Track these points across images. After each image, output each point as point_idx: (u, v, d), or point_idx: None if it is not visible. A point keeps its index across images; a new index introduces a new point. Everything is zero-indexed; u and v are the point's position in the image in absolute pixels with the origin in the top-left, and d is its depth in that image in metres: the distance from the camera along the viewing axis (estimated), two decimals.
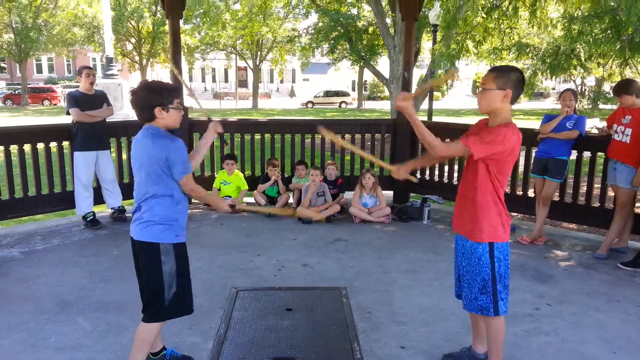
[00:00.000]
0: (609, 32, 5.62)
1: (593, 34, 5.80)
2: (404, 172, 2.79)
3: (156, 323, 2.64)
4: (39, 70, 50.09)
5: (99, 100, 5.48)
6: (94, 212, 5.55)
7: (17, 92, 36.42)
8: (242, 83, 51.58)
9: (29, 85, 36.83)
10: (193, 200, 6.63)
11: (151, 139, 2.48)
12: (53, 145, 5.60)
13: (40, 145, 5.49)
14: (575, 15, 6.65)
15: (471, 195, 2.60)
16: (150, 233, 2.54)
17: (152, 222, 2.53)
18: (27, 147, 5.41)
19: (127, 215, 5.70)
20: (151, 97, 2.48)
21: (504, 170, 2.54)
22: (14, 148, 5.36)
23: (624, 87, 4.66)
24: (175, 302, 2.60)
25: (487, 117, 2.61)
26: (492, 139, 2.46)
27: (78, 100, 5.31)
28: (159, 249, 2.54)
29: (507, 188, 5.79)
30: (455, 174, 6.47)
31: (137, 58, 35.64)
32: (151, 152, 2.47)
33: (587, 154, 5.42)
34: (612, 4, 5.89)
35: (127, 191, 5.76)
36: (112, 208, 5.75)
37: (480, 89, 2.56)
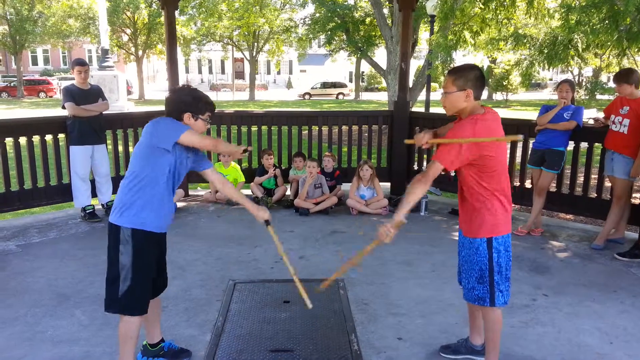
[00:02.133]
0: (606, 22, 5.58)
1: (591, 24, 5.76)
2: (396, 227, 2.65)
3: (134, 317, 2.54)
4: (35, 62, 49.72)
5: (94, 94, 5.45)
6: (93, 205, 5.54)
7: (12, 84, 36.16)
8: (239, 74, 51.38)
9: (24, 78, 36.60)
10: (190, 192, 6.63)
11: (152, 121, 2.50)
12: (49, 137, 5.57)
13: (36, 138, 5.46)
14: (573, 5, 6.61)
15: (464, 195, 2.64)
16: (116, 216, 2.49)
17: (121, 206, 2.48)
18: (22, 140, 5.38)
19: None
20: (188, 100, 2.54)
21: (488, 165, 2.47)
22: (9, 141, 5.33)
23: (625, 76, 4.64)
24: (127, 297, 2.49)
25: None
26: (448, 148, 2.45)
27: (74, 95, 5.28)
28: (118, 235, 2.46)
29: None
30: None
31: (133, 49, 35.43)
32: (144, 131, 2.49)
33: (584, 145, 5.42)
34: None
35: None
36: (101, 204, 5.73)
37: (443, 94, 2.57)
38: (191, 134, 2.48)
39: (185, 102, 2.54)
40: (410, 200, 2.53)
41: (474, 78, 2.50)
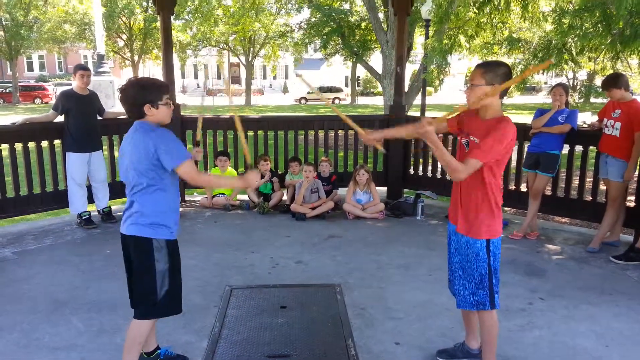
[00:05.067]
0: (599, 25, 5.62)
1: (584, 28, 5.80)
2: (374, 139, 2.90)
3: (147, 321, 2.62)
4: (30, 68, 49.63)
5: (91, 100, 5.46)
6: (89, 211, 5.53)
7: (7, 90, 36.10)
8: (235, 79, 51.38)
9: (19, 83, 36.52)
10: (186, 198, 6.63)
11: (141, 133, 2.46)
12: (44, 144, 5.57)
13: (32, 144, 5.45)
14: (566, 9, 6.65)
15: (470, 193, 2.59)
16: (142, 229, 2.52)
17: (144, 218, 2.51)
18: (18, 146, 5.37)
19: (115, 215, 5.68)
20: (140, 94, 2.46)
21: (500, 165, 2.54)
22: (4, 147, 5.31)
23: (612, 81, 4.69)
24: (167, 300, 2.59)
25: None
26: (496, 141, 2.44)
27: (68, 101, 5.27)
28: (151, 246, 2.52)
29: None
30: None
31: (128, 55, 35.42)
32: (140, 147, 2.44)
33: (579, 148, 5.45)
34: None
35: (120, 189, 5.73)
36: (97, 210, 5.72)
37: (468, 84, 2.56)
38: (187, 166, 2.48)
39: (138, 95, 2.46)
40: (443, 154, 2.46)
41: (503, 74, 2.48)
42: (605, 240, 4.89)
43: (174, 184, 2.57)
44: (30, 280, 4.08)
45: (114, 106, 17.27)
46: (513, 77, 2.57)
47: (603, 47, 5.97)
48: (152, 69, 47.89)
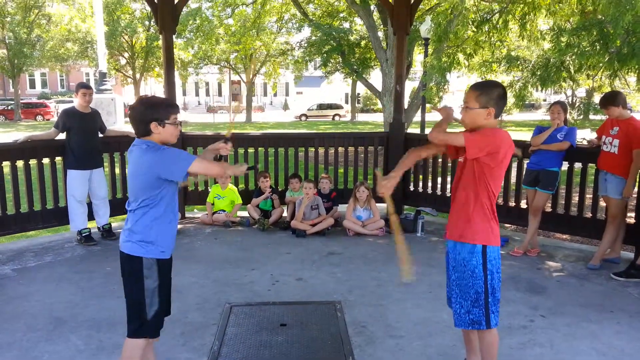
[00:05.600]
0: (596, 44, 5.68)
1: (581, 46, 5.86)
2: (391, 187, 2.92)
3: (139, 340, 2.58)
4: (32, 86, 49.99)
5: (92, 118, 5.50)
6: (89, 228, 5.53)
7: (10, 107, 36.30)
8: (236, 97, 51.66)
9: (22, 101, 36.75)
10: (186, 214, 6.63)
11: (143, 152, 2.48)
12: (45, 161, 5.59)
13: (33, 161, 5.48)
14: (564, 27, 6.72)
15: (463, 198, 2.61)
16: (133, 246, 2.52)
17: (134, 235, 2.52)
18: (19, 163, 5.39)
19: (115, 232, 5.68)
20: (147, 112, 2.49)
21: (495, 174, 2.54)
22: (6, 164, 5.33)
23: (610, 99, 4.73)
24: (157, 319, 2.57)
25: None
26: (484, 136, 2.50)
27: (70, 119, 5.31)
28: (141, 263, 2.51)
29: (500, 199, 5.83)
30: (448, 186, 6.48)
31: (130, 72, 35.69)
32: (143, 166, 2.47)
33: (578, 165, 5.47)
34: (600, 16, 5.97)
35: (120, 206, 5.74)
36: (98, 227, 5.73)
37: (463, 107, 2.59)
38: (199, 162, 2.49)
39: (146, 112, 2.49)
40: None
41: (497, 97, 2.52)
42: (605, 257, 4.88)
43: (170, 204, 2.55)
44: (30, 298, 4.07)
45: (115, 123, 17.34)
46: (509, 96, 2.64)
47: (601, 65, 6.02)
48: (153, 86, 48.22)
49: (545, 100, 45.71)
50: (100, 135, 5.64)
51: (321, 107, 43.09)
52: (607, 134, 4.76)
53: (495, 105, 2.50)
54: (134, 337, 2.58)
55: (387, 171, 6.52)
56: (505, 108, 2.62)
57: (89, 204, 5.61)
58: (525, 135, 11.32)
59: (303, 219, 5.90)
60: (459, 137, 2.54)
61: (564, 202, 5.58)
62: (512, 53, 8.76)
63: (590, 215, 5.40)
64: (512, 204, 5.91)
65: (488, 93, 2.52)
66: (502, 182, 2.68)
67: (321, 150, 6.79)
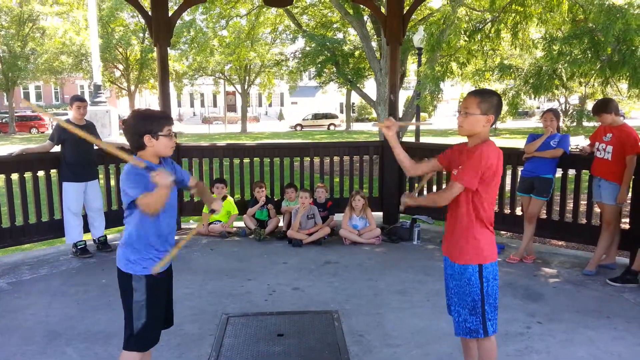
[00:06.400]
0: (588, 52, 5.74)
1: (573, 54, 5.93)
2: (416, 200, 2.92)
3: (133, 352, 2.55)
4: (27, 98, 49.85)
5: (88, 131, 5.47)
6: (84, 240, 5.51)
7: (4, 120, 36.23)
8: (231, 107, 51.78)
9: (16, 114, 36.68)
10: (182, 225, 6.62)
11: (123, 171, 2.50)
12: (40, 173, 5.58)
13: (28, 174, 5.46)
14: (556, 36, 6.80)
15: (456, 218, 2.62)
16: (121, 260, 2.54)
17: (121, 249, 2.54)
18: (14, 176, 5.38)
19: (110, 244, 5.66)
20: (140, 125, 2.49)
21: (488, 190, 2.56)
22: (0, 178, 5.32)
23: (602, 106, 4.78)
24: (145, 333, 2.54)
25: (466, 139, 2.66)
26: (475, 165, 2.50)
27: (65, 131, 5.28)
28: (130, 276, 2.52)
29: (495, 207, 5.84)
30: None
31: (125, 84, 35.71)
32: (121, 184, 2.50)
33: (572, 172, 5.51)
34: (591, 25, 6.05)
35: (116, 218, 5.72)
36: (93, 239, 5.71)
37: (462, 112, 2.58)
38: (138, 203, 2.38)
39: (139, 125, 2.49)
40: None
41: (497, 105, 2.55)
42: (601, 263, 4.89)
43: (152, 220, 2.49)
44: (25, 311, 4.05)
45: (110, 135, 17.34)
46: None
47: (593, 72, 6.09)
48: (148, 98, 48.26)
49: (538, 107, 45.96)
50: (95, 147, 5.62)
51: (316, 116, 43.23)
52: (601, 140, 4.80)
53: (494, 113, 2.53)
54: (125, 349, 2.58)
55: (383, 179, 6.54)
56: (498, 116, 2.64)
57: (85, 216, 5.59)
58: (519, 143, 11.40)
59: (299, 228, 5.89)
60: (454, 185, 2.56)
61: (558, 208, 5.61)
62: (505, 61, 8.84)
63: (585, 221, 5.43)
64: (507, 211, 5.93)
65: (489, 100, 2.54)
66: (498, 190, 2.68)
67: (317, 160, 6.80)
